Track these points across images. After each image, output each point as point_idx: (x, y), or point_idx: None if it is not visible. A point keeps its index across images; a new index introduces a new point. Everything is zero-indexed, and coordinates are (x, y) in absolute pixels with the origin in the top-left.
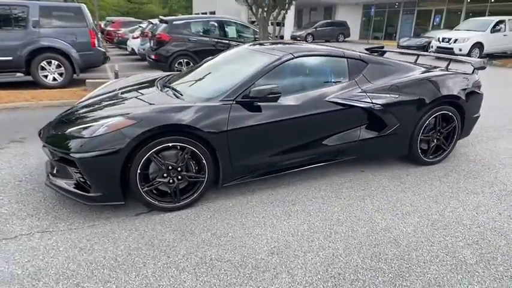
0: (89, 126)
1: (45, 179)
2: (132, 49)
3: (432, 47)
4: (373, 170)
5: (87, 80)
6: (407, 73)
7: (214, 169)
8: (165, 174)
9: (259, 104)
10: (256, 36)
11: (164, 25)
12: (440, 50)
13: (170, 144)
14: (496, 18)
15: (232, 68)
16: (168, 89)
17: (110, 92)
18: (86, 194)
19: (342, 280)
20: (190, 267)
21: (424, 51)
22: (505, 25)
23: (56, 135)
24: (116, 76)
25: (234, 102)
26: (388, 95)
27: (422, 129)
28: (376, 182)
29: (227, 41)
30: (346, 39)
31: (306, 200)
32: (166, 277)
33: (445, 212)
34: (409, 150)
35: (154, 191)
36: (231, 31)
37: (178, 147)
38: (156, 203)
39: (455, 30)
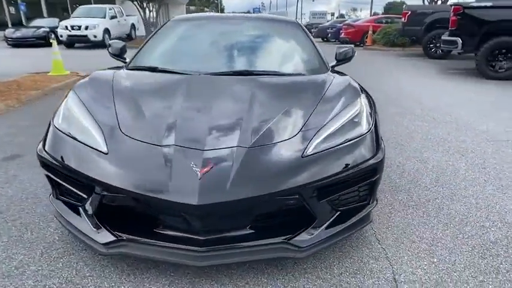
0: (338, 132)
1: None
2: None
3: (61, 36)
4: None
5: None
6: None
7: None
8: None
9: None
10: None
11: None
12: (73, 37)
13: None
14: (108, 6)
15: (259, 36)
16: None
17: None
18: None
19: None
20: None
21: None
22: (115, 12)
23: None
24: None
25: (331, 69)
26: None
27: None
28: None
29: None
30: None
31: None
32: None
33: None
34: None
35: None
36: None
37: None
38: None
39: (73, 17)
